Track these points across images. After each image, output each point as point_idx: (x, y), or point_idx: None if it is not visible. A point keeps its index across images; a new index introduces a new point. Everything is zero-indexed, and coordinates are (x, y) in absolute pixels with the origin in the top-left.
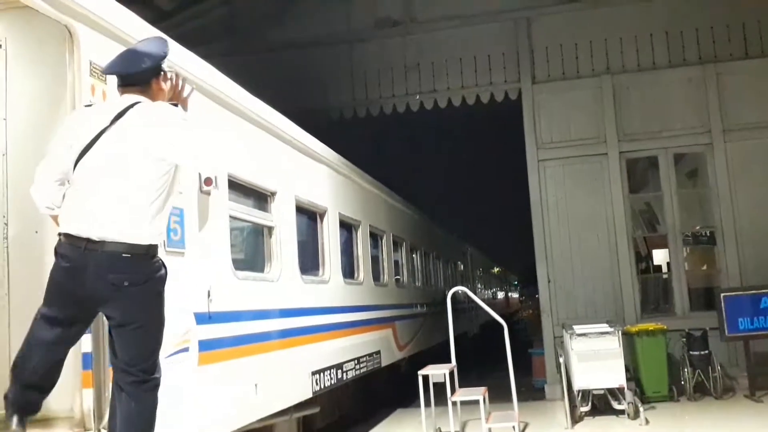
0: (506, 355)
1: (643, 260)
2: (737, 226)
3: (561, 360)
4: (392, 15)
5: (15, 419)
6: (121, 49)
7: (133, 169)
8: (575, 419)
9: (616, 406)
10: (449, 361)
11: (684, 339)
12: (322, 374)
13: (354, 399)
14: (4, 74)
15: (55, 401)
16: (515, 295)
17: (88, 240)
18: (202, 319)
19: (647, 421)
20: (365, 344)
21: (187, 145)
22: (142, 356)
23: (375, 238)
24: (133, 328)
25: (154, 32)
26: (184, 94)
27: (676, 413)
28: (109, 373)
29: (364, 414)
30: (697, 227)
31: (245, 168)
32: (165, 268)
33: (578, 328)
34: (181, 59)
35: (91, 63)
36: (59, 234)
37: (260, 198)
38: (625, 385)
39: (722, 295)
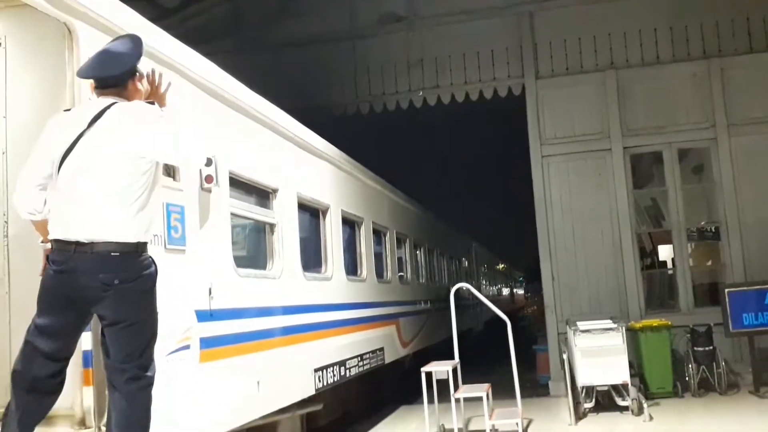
0: (510, 352)
1: (647, 256)
2: (742, 221)
3: (565, 356)
4: (396, 11)
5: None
6: None
7: (113, 169)
8: (579, 415)
9: (620, 402)
10: (453, 358)
11: (688, 335)
12: (324, 371)
13: (357, 396)
14: (3, 72)
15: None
16: (521, 292)
17: (77, 243)
18: (204, 316)
19: (651, 418)
20: (368, 341)
21: (166, 141)
22: (135, 354)
23: (378, 234)
24: (125, 325)
25: (154, 29)
26: (162, 89)
27: (681, 409)
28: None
29: (368, 411)
30: (702, 222)
31: (247, 165)
32: (155, 265)
33: (582, 325)
34: (181, 56)
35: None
36: (51, 241)
37: (262, 195)
38: (629, 382)
39: (727, 290)
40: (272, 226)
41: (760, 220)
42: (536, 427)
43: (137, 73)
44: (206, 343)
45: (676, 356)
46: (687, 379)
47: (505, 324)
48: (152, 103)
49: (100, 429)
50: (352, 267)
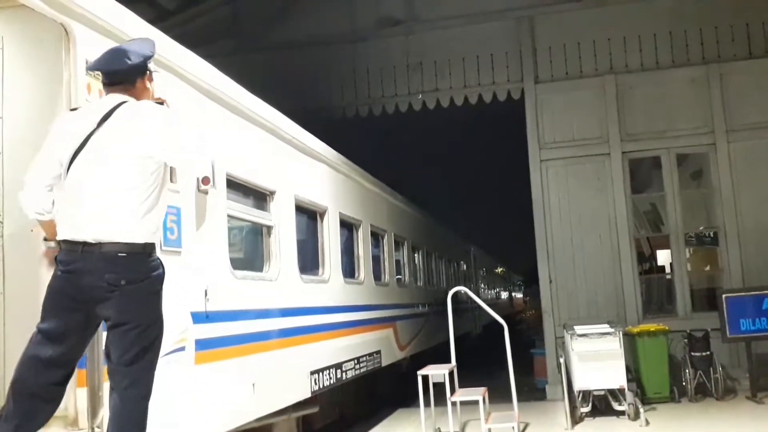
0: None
1: (646, 261)
2: (740, 226)
3: (562, 360)
4: (395, 14)
5: None
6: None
7: (122, 169)
8: (575, 420)
9: (616, 407)
10: (450, 362)
11: (686, 340)
12: (321, 374)
13: (354, 398)
14: (0, 73)
15: None
16: (520, 296)
17: (85, 243)
18: (199, 318)
19: (648, 422)
20: (365, 344)
21: (174, 142)
22: (138, 357)
23: (376, 237)
24: (130, 327)
25: (151, 30)
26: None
27: (677, 414)
28: (103, 372)
29: (364, 414)
30: (700, 228)
31: (244, 167)
32: (163, 267)
33: (579, 329)
34: (180, 57)
35: (87, 61)
36: (58, 241)
37: (259, 197)
38: (626, 386)
39: (724, 296)
40: (269, 228)
41: (758, 226)
42: (532, 430)
43: (148, 72)
44: (202, 344)
45: (673, 361)
46: (684, 384)
47: (503, 328)
48: (161, 103)
49: (93, 430)
50: (349, 269)
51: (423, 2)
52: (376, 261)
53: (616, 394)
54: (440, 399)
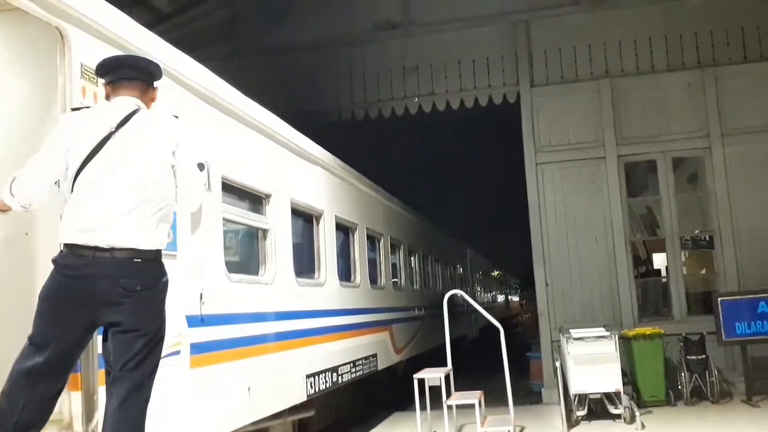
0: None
1: (642, 264)
2: (735, 230)
3: (558, 364)
4: (391, 17)
5: None
6: (113, 51)
7: (142, 176)
8: (571, 423)
9: (612, 410)
10: (447, 365)
11: (681, 343)
12: (317, 377)
13: (350, 402)
14: None
15: None
16: (516, 299)
17: (96, 248)
18: (195, 322)
19: (643, 426)
20: (361, 347)
21: (191, 156)
22: (142, 363)
23: (372, 240)
24: (140, 334)
25: (148, 34)
26: None
27: (673, 418)
28: (98, 376)
29: (361, 417)
30: (696, 231)
31: (239, 170)
32: (167, 278)
33: (575, 332)
34: (176, 61)
35: (82, 65)
36: (62, 245)
37: (255, 200)
38: (622, 390)
39: (720, 299)
40: (265, 231)
41: (753, 229)
42: None
43: (156, 88)
44: (197, 348)
45: (668, 365)
46: (679, 387)
47: (499, 331)
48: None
49: None
50: (345, 273)
51: (419, 6)
52: (372, 264)
53: (612, 397)
54: (436, 402)
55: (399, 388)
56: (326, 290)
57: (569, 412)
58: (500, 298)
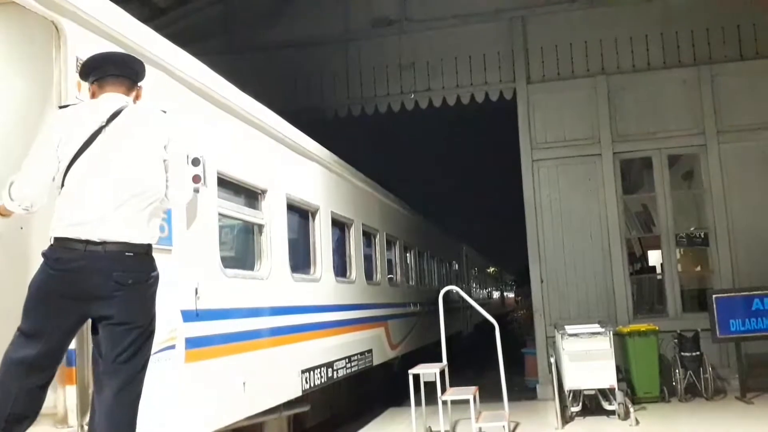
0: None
1: (637, 261)
2: (730, 227)
3: (553, 360)
4: (387, 14)
5: None
6: (109, 45)
7: (132, 171)
8: (566, 419)
9: (606, 406)
10: (442, 361)
11: (676, 340)
12: (312, 372)
13: (345, 397)
14: None
15: None
16: (511, 295)
17: (88, 242)
18: (189, 316)
19: (638, 422)
20: (357, 343)
21: (181, 148)
22: (134, 356)
23: (368, 236)
24: (132, 327)
25: (143, 28)
26: None
27: (667, 414)
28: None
29: (356, 412)
30: (691, 228)
31: (235, 165)
32: (157, 272)
33: (570, 329)
34: (172, 55)
35: (77, 60)
36: (52, 239)
37: (250, 195)
38: (616, 386)
39: (714, 296)
40: (261, 226)
41: (748, 227)
42: (523, 430)
43: (141, 86)
44: (192, 343)
45: (663, 361)
46: (674, 384)
47: (494, 327)
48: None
49: (82, 428)
50: (341, 268)
51: (415, 2)
52: (368, 260)
53: (607, 393)
54: (431, 398)
55: (394, 384)
56: (322, 286)
57: (564, 407)
58: (496, 294)
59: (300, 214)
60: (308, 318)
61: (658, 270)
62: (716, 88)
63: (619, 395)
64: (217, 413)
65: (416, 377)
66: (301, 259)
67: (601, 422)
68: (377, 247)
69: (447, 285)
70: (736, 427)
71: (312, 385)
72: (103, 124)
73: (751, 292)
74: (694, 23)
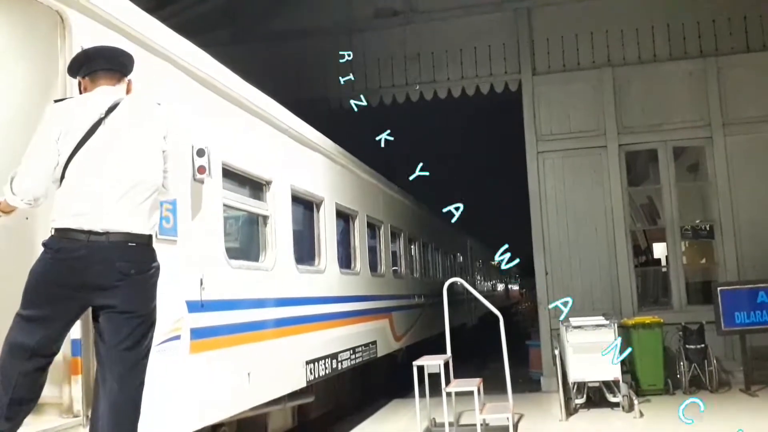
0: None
1: (642, 253)
2: (736, 220)
3: (557, 352)
4: (392, 4)
5: None
6: (114, 35)
7: (133, 161)
8: (570, 411)
9: (611, 398)
10: (446, 352)
11: (680, 332)
12: (316, 364)
13: (350, 389)
14: None
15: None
16: (516, 287)
17: (91, 232)
18: (195, 307)
19: (642, 414)
20: (361, 334)
21: (176, 141)
22: (136, 344)
23: (372, 228)
24: (134, 316)
25: (149, 19)
26: None
27: (671, 406)
28: None
29: (360, 404)
30: (696, 221)
31: (240, 156)
32: (158, 263)
33: (574, 321)
34: (176, 46)
35: (82, 48)
36: (53, 230)
37: (255, 187)
38: (621, 378)
39: (719, 289)
40: (265, 218)
41: (754, 219)
42: (527, 422)
43: (131, 79)
44: (197, 333)
45: (667, 354)
46: (678, 376)
47: (498, 319)
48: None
49: (87, 417)
50: (345, 260)
51: None
52: (373, 252)
53: (611, 386)
54: (435, 389)
55: (398, 375)
56: (326, 277)
57: (568, 400)
58: (500, 286)
59: (304, 206)
60: (312, 309)
61: (663, 262)
62: (722, 80)
63: (623, 387)
64: (222, 404)
65: (420, 369)
66: (305, 250)
67: (606, 414)
68: (382, 239)
69: (451, 277)
70: (741, 420)
71: (316, 376)
72: (102, 116)
73: (757, 285)
74: (701, 14)
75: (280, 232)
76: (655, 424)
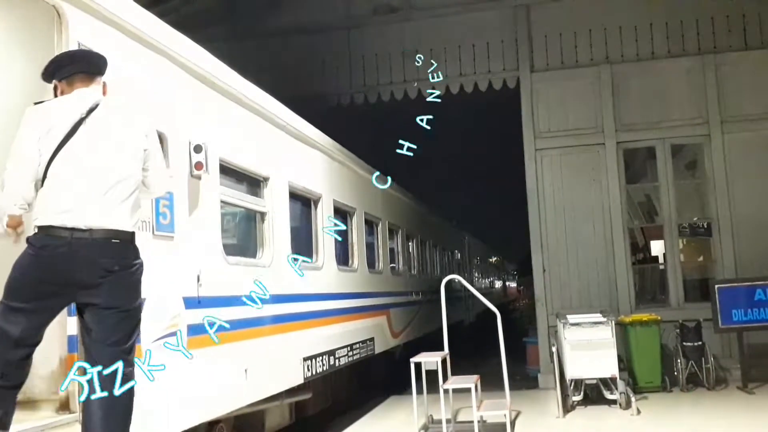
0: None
1: (639, 251)
2: (733, 217)
3: (554, 349)
4: (391, 1)
5: None
6: (111, 31)
7: (117, 158)
8: (567, 408)
9: (608, 395)
10: (444, 349)
11: (678, 330)
12: (313, 360)
13: (347, 385)
14: None
15: (40, 383)
16: (513, 285)
17: (74, 229)
18: (192, 303)
19: (639, 411)
20: (358, 331)
21: (156, 135)
22: (122, 340)
23: (370, 225)
24: (119, 311)
25: (146, 15)
26: None
27: (669, 404)
28: None
29: (357, 400)
30: (694, 218)
31: (237, 153)
32: (141, 260)
33: (571, 318)
34: (173, 42)
35: (79, 44)
36: (36, 227)
37: (253, 183)
38: (618, 375)
39: (717, 286)
40: (263, 214)
41: (751, 217)
42: (524, 419)
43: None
44: (194, 330)
45: (665, 351)
46: (675, 373)
47: (496, 316)
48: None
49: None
50: (343, 257)
51: None
52: (370, 249)
53: (608, 383)
54: (433, 386)
55: (396, 372)
56: (324, 274)
57: (565, 397)
58: (498, 283)
59: (302, 202)
60: (310, 306)
61: (661, 260)
62: (720, 77)
63: (620, 385)
64: (220, 400)
65: (418, 366)
66: (303, 247)
67: (603, 411)
68: (379, 236)
69: (449, 274)
70: (738, 417)
71: (314, 372)
72: (83, 116)
73: (754, 282)
74: (699, 12)
75: (277, 229)
76: (652, 421)
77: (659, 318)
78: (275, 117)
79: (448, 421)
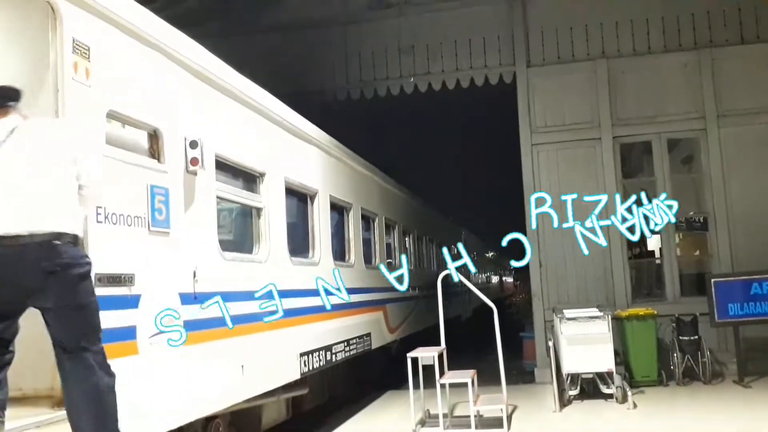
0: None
1: (636, 245)
2: (730, 212)
3: (551, 344)
4: None
5: None
6: (106, 26)
7: (49, 163)
8: (564, 402)
9: (604, 390)
10: (440, 344)
11: (674, 324)
12: (310, 356)
13: (344, 380)
14: None
15: (35, 380)
16: (510, 280)
17: (17, 236)
18: (188, 299)
19: (635, 405)
20: (355, 326)
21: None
22: (88, 332)
23: (367, 220)
24: (72, 307)
25: (142, 10)
26: None
27: (665, 398)
28: None
29: (354, 395)
30: (690, 213)
31: (233, 148)
32: (89, 258)
33: (568, 313)
34: (169, 37)
35: (74, 40)
36: None
37: (249, 179)
38: (614, 370)
39: (713, 280)
40: (259, 210)
41: (747, 211)
42: (521, 413)
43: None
44: (190, 326)
45: (661, 345)
46: (672, 368)
47: (492, 311)
48: None
49: None
50: (339, 252)
51: None
52: (367, 244)
53: (605, 377)
54: (429, 381)
55: (392, 367)
56: (320, 269)
57: (561, 391)
58: (494, 278)
59: (299, 198)
60: (306, 301)
61: (657, 254)
62: (717, 72)
63: (617, 379)
64: (216, 396)
65: (414, 360)
66: (299, 242)
67: (599, 406)
68: (376, 231)
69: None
70: (734, 411)
71: (311, 368)
72: (2, 140)
73: (750, 277)
74: (695, 6)
75: (273, 225)
76: (648, 415)
77: (656, 312)
78: (271, 112)
79: (444, 415)
